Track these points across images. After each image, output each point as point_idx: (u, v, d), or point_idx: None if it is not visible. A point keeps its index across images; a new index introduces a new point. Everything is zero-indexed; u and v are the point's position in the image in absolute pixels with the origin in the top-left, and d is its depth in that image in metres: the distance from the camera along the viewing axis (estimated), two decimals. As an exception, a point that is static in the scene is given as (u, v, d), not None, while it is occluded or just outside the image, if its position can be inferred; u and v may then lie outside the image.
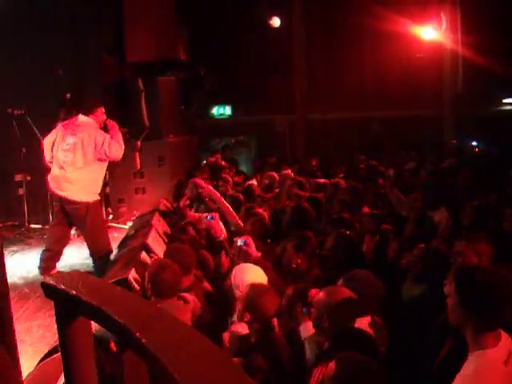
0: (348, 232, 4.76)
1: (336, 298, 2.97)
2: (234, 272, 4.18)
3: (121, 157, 6.42)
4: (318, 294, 3.26)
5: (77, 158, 6.25)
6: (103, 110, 6.56)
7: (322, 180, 8.33)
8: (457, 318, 2.30)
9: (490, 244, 3.77)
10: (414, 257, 4.38)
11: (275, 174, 8.95)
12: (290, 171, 9.48)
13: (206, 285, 4.76)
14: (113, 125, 6.53)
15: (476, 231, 4.35)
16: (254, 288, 3.53)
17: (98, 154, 6.21)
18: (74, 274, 1.58)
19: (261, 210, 6.41)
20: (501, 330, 2.29)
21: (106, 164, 6.50)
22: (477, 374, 2.15)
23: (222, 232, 6.20)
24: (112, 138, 6.30)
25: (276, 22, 13.84)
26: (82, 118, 6.42)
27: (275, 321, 3.52)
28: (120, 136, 6.46)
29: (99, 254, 6.42)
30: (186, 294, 3.96)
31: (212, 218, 6.32)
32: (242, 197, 7.68)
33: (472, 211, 5.39)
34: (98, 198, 6.58)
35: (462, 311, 2.25)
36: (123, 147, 6.43)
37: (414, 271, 4.22)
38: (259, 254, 4.81)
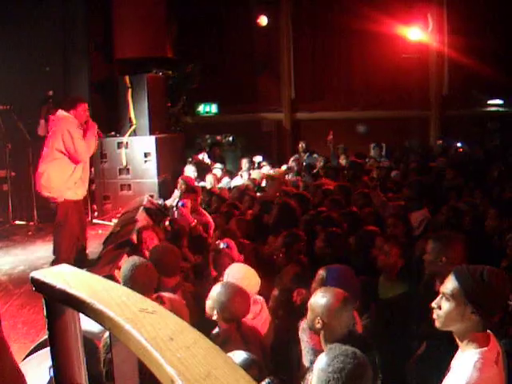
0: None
1: (330, 300, 2.93)
2: (227, 273, 4.00)
3: (85, 159, 6.50)
4: (303, 294, 3.25)
5: (48, 151, 6.36)
6: (86, 107, 6.53)
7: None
8: (450, 317, 2.24)
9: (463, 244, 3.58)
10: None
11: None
12: (279, 169, 9.54)
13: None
14: (91, 126, 6.57)
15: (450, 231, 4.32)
16: (225, 288, 3.48)
17: (64, 149, 6.27)
18: (63, 268, 1.57)
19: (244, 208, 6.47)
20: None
21: (74, 162, 6.41)
22: (477, 370, 2.13)
23: (192, 220, 6.26)
24: (84, 137, 6.39)
25: (263, 20, 13.86)
26: (60, 112, 6.44)
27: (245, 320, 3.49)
28: (93, 140, 6.57)
29: (56, 255, 6.36)
30: (164, 295, 3.77)
31: (183, 204, 6.40)
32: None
33: (448, 211, 5.40)
34: (72, 197, 6.48)
35: (460, 310, 2.21)
36: (91, 150, 6.64)
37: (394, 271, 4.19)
38: (241, 257, 4.74)
